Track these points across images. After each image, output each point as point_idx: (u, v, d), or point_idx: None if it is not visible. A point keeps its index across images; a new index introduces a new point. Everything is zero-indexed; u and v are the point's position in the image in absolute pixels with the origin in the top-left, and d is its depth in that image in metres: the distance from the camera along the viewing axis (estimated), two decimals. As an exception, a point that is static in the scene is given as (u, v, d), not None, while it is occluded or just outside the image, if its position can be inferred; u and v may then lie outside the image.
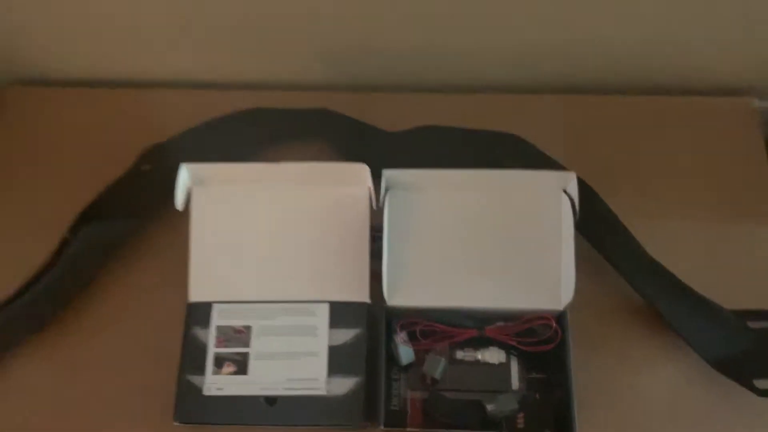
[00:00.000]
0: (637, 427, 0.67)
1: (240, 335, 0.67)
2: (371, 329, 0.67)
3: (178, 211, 0.68)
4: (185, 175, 0.68)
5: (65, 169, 0.81)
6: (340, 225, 0.69)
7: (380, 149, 0.79)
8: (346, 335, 0.67)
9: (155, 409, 0.66)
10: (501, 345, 0.67)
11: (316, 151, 0.80)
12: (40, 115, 0.85)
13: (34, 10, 0.78)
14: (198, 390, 0.65)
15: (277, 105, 0.82)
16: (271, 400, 0.65)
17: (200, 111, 0.81)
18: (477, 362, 0.67)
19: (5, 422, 0.69)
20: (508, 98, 0.84)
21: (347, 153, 0.79)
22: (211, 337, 0.67)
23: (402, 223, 0.67)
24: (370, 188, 0.68)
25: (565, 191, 0.67)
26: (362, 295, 0.68)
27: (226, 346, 0.67)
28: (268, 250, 0.69)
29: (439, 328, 0.67)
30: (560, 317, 0.66)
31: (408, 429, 0.65)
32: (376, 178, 0.67)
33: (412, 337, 0.67)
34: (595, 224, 0.72)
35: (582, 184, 0.67)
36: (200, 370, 0.66)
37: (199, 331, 0.67)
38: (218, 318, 0.68)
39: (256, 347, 0.67)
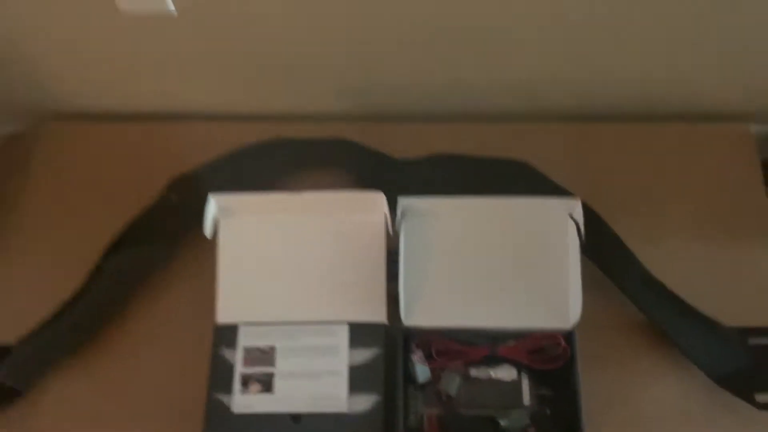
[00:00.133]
0: (644, 441, 0.69)
1: (265, 355, 0.69)
2: (389, 349, 0.68)
3: (204, 238, 0.70)
4: (213, 205, 0.70)
5: (96, 201, 0.82)
6: (359, 250, 0.71)
7: (395, 176, 0.80)
8: (365, 354, 0.68)
9: (186, 427, 0.67)
10: (513, 363, 0.68)
11: (335, 178, 0.81)
12: (71, 149, 0.86)
13: (65, 49, 0.79)
14: (226, 408, 0.67)
15: (297, 135, 0.83)
16: (296, 418, 0.66)
17: (225, 141, 0.82)
18: (490, 379, 0.68)
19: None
20: (517, 127, 0.84)
21: (364, 179, 0.80)
22: (238, 357, 0.69)
23: (417, 247, 0.69)
24: (386, 215, 0.70)
25: (571, 216, 0.68)
26: (380, 316, 0.69)
27: (252, 366, 0.68)
28: (291, 274, 0.71)
29: (453, 347, 0.68)
30: (568, 336, 0.67)
31: (426, 444, 0.66)
32: (392, 203, 0.69)
33: (428, 356, 0.68)
34: (601, 247, 0.73)
35: (587, 209, 0.69)
36: (228, 389, 0.67)
37: (226, 352, 0.69)
38: (244, 339, 0.69)
39: (280, 367, 0.68)
